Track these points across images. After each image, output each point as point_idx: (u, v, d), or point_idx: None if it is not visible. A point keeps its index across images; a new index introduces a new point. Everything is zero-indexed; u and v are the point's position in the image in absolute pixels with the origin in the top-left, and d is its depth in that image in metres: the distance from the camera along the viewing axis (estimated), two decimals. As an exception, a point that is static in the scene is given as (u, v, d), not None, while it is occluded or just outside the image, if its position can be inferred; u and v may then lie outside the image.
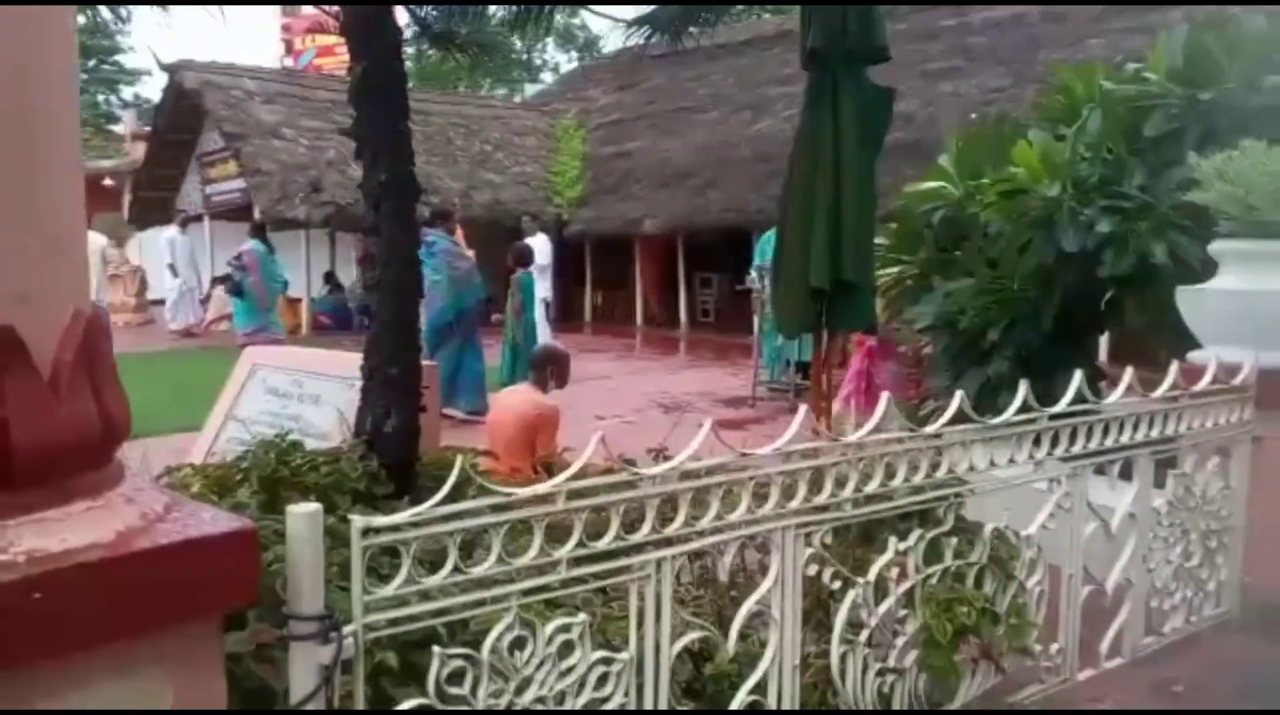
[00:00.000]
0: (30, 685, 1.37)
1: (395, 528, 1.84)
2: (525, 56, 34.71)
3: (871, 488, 2.56)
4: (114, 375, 1.60)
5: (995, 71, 14.62)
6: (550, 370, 5.18)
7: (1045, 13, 14.93)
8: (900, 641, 2.62)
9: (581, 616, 2.07)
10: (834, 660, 2.52)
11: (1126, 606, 3.28)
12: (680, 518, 2.21)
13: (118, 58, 34.68)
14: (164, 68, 16.56)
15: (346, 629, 1.79)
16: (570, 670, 2.06)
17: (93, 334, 1.53)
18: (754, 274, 10.79)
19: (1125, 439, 3.19)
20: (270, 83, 17.23)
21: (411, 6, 4.60)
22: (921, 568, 2.66)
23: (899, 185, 7.05)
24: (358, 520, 1.82)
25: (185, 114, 17.10)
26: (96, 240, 15.70)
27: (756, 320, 10.72)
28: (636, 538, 2.14)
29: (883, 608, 2.58)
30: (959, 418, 2.77)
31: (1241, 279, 3.85)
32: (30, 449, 1.39)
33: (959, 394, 2.76)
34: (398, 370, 3.28)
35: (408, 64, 3.89)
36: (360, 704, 1.84)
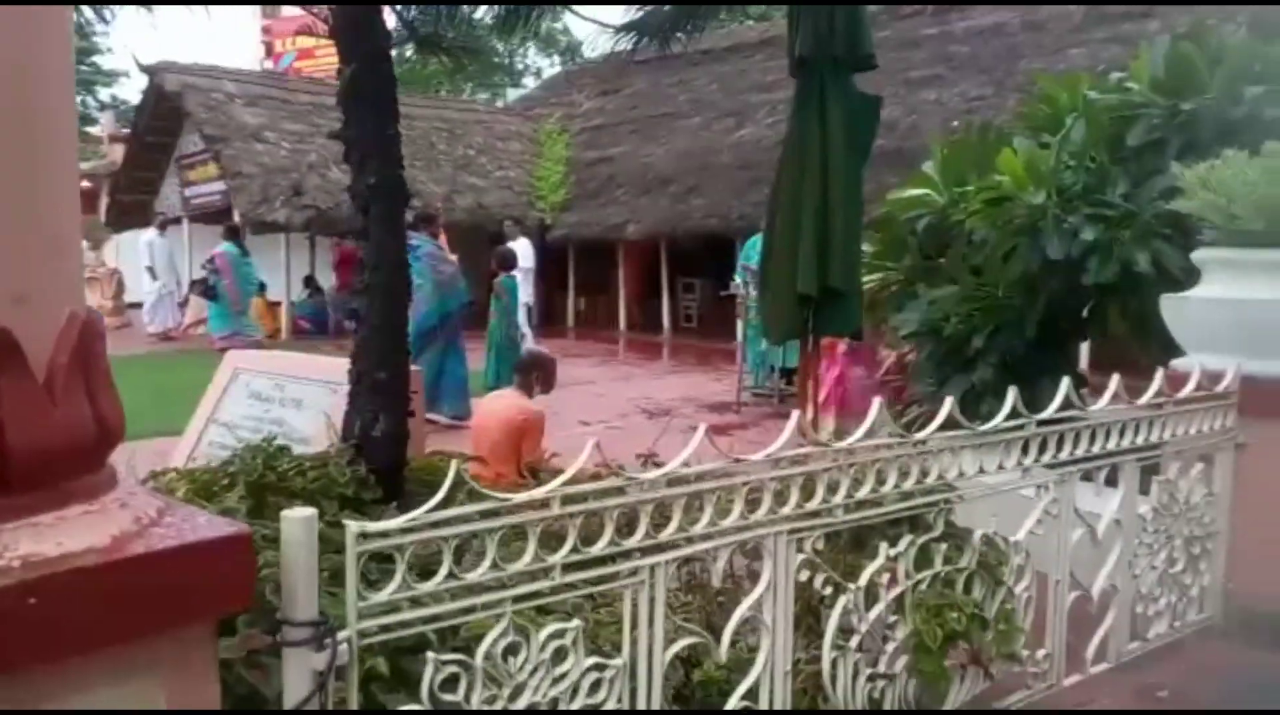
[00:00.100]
0: (24, 690, 1.35)
1: (391, 533, 1.82)
2: (507, 60, 34.69)
3: (863, 494, 2.57)
4: (108, 378, 1.59)
5: (977, 80, 14.74)
6: (536, 375, 5.17)
7: (1025, 22, 15.09)
8: (890, 647, 2.63)
9: (575, 622, 2.07)
10: (825, 665, 2.52)
11: (1112, 612, 3.30)
12: (674, 523, 2.21)
13: (95, 59, 34.36)
14: (144, 69, 16.44)
15: (340, 635, 1.77)
16: (564, 676, 2.05)
17: (88, 337, 1.52)
18: (738, 280, 10.82)
19: (1111, 446, 3.22)
20: (251, 85, 17.13)
21: (397, 9, 4.59)
22: (912, 573, 2.67)
23: (882, 192, 7.08)
24: (353, 525, 1.80)
25: (165, 116, 16.97)
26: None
27: (740, 326, 10.75)
28: (631, 543, 2.14)
29: (873, 613, 2.59)
30: (948, 424, 2.78)
31: (1224, 287, 3.89)
32: (25, 452, 1.38)
33: (949, 400, 2.77)
34: (386, 374, 3.27)
35: (389, 67, 3.88)
36: (353, 709, 1.82)
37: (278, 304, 16.36)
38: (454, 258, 9.34)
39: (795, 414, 2.44)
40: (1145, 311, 5.08)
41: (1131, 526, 3.33)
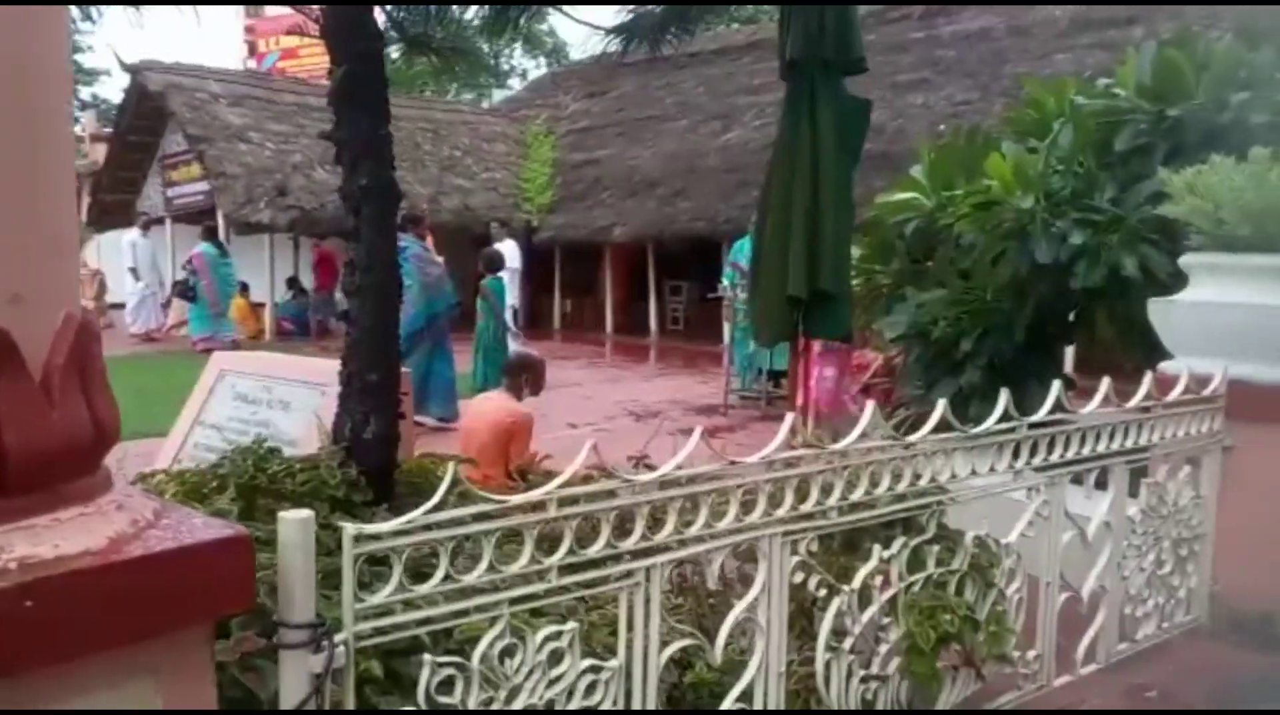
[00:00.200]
0: (20, 693, 1.34)
1: (388, 535, 1.81)
2: (493, 62, 34.62)
3: (856, 496, 2.58)
4: (104, 380, 1.57)
5: (963, 84, 14.84)
6: (525, 378, 5.15)
7: (1011, 27, 15.20)
8: (883, 648, 2.64)
9: (571, 624, 2.06)
10: (819, 667, 2.52)
11: (1102, 613, 3.32)
12: (670, 525, 2.21)
13: (76, 57, 34.09)
14: (126, 68, 16.33)
15: (337, 637, 1.76)
16: (560, 678, 2.04)
17: (84, 338, 1.51)
18: (725, 282, 10.83)
19: (1101, 448, 3.24)
20: (236, 85, 17.05)
21: (387, 9, 4.57)
22: (905, 575, 2.68)
23: (869, 196, 7.12)
24: (350, 527, 1.80)
25: (147, 115, 16.87)
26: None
27: (728, 328, 10.76)
28: (627, 545, 2.14)
29: (867, 615, 2.59)
30: (939, 426, 2.79)
31: (1211, 291, 3.92)
32: (22, 453, 1.37)
33: (942, 403, 2.78)
34: (377, 376, 3.25)
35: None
36: (349, 712, 1.81)
37: (261, 305, 16.29)
38: (440, 259, 9.32)
39: (789, 416, 2.45)
40: (1132, 315, 5.12)
41: (1121, 529, 3.35)
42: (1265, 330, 3.79)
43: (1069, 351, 6.98)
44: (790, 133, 4.74)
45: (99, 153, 19.22)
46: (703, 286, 16.28)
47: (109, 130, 18.66)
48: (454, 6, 4.66)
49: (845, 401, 8.39)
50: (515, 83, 33.07)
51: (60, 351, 1.46)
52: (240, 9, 25.66)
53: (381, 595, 1.82)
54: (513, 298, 12.04)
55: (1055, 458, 3.08)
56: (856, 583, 2.58)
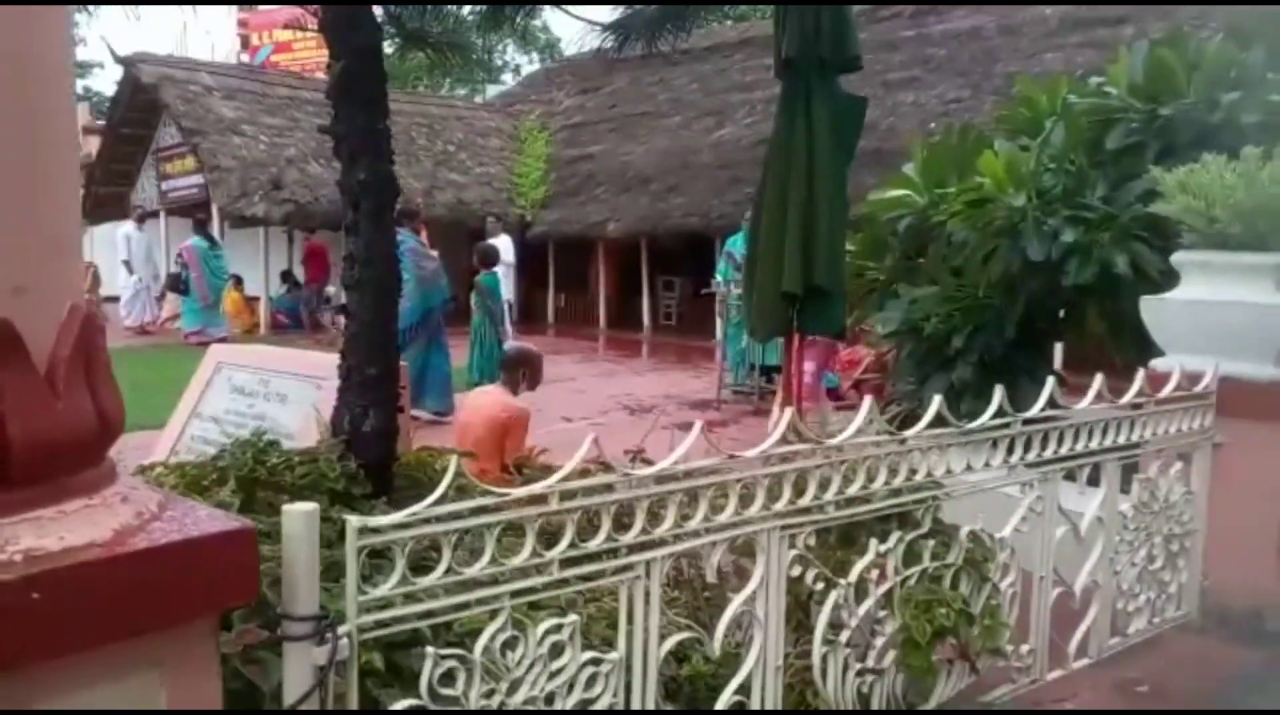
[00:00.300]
0: (24, 687, 1.34)
1: (393, 527, 1.82)
2: (487, 57, 34.54)
3: (853, 490, 2.60)
4: (108, 371, 1.58)
5: (954, 83, 14.88)
6: (523, 372, 5.13)
7: (1002, 26, 15.24)
8: (879, 642, 2.66)
9: (572, 617, 2.08)
10: (815, 660, 2.54)
11: (1094, 608, 3.35)
12: (670, 519, 2.22)
13: (68, 49, 33.79)
14: (120, 61, 16.25)
15: (340, 629, 1.77)
16: (560, 671, 2.06)
17: (89, 330, 1.51)
18: (719, 278, 10.86)
19: (1094, 444, 3.27)
20: (229, 78, 17.01)
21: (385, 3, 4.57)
22: (900, 569, 2.70)
23: (861, 193, 7.13)
24: (354, 520, 1.81)
25: (141, 108, 16.81)
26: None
27: (720, 323, 10.79)
28: (627, 539, 2.15)
29: (863, 608, 2.61)
30: (934, 422, 2.81)
31: (1203, 289, 3.95)
32: (27, 445, 1.37)
33: (938, 399, 2.81)
34: (376, 370, 3.26)
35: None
36: (353, 705, 1.83)
37: (256, 299, 16.26)
38: (435, 253, 9.32)
39: (789, 411, 2.47)
40: (1122, 312, 5.16)
41: (1113, 524, 3.38)
42: (1256, 328, 3.82)
43: (1057, 348, 7.02)
44: (786, 130, 4.75)
45: (92, 145, 19.13)
46: (696, 282, 16.31)
47: (102, 123, 18.57)
48: (450, 3, 4.66)
49: (822, 394, 8.44)
50: (509, 78, 33.01)
51: (65, 343, 1.46)
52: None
53: (385, 587, 1.83)
54: (508, 292, 12.05)
55: (1049, 453, 3.11)
56: (853, 576, 2.60)
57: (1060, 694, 3.20)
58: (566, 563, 2.08)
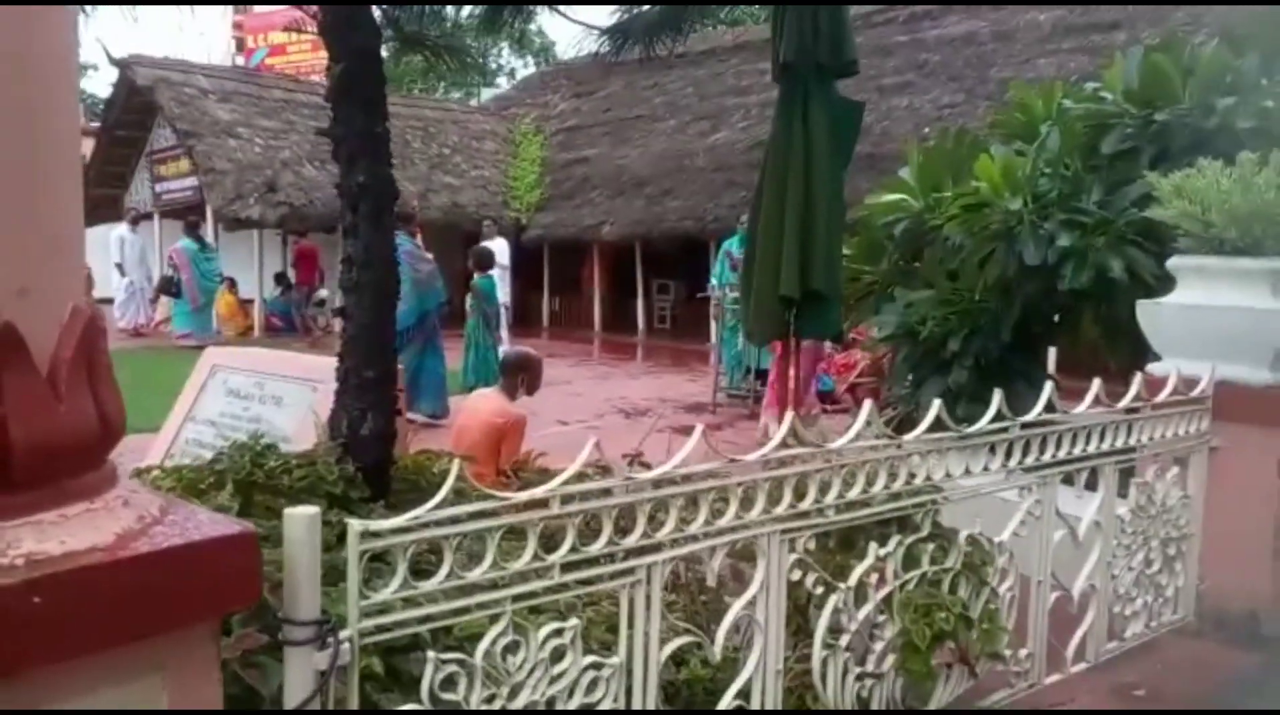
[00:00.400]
0: (25, 692, 1.33)
1: (394, 531, 1.82)
2: (482, 60, 34.53)
3: (853, 494, 2.59)
4: (110, 374, 1.57)
5: (948, 88, 14.92)
6: (522, 377, 5.07)
7: (995, 32, 15.30)
8: (878, 646, 2.66)
9: (574, 621, 2.07)
10: (815, 664, 2.54)
11: (1091, 612, 3.35)
12: (670, 523, 2.22)
13: (62, 51, 33.65)
14: (114, 62, 16.22)
15: (341, 634, 1.76)
16: (561, 675, 2.05)
17: (91, 331, 1.50)
18: (713, 283, 10.88)
19: (1092, 448, 3.27)
20: (224, 80, 16.98)
21: (383, 6, 4.57)
22: (900, 573, 2.70)
23: (855, 197, 7.15)
24: (355, 523, 1.80)
25: (136, 110, 16.78)
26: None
27: (716, 327, 10.79)
28: (628, 543, 2.15)
29: (863, 613, 2.61)
30: (933, 426, 2.82)
31: (1199, 294, 3.96)
32: (29, 448, 1.36)
33: (936, 403, 2.81)
34: (374, 373, 3.25)
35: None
36: (354, 710, 1.82)
37: (250, 301, 16.23)
38: (431, 256, 9.31)
39: (789, 415, 2.46)
40: (1117, 316, 5.18)
41: (1110, 528, 3.38)
42: (1252, 332, 3.83)
43: (1050, 352, 7.03)
44: (783, 134, 4.76)
45: (86, 147, 19.09)
46: (690, 285, 16.32)
47: (96, 125, 18.53)
48: (449, 6, 4.66)
49: (810, 399, 8.45)
50: (503, 81, 33.01)
51: (67, 345, 1.45)
52: (229, 5, 25.51)
53: (387, 592, 1.82)
54: (504, 295, 12.04)
55: (1047, 457, 3.11)
56: (853, 580, 2.60)
57: (1058, 698, 3.20)
58: (567, 567, 2.07)
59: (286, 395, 4.68)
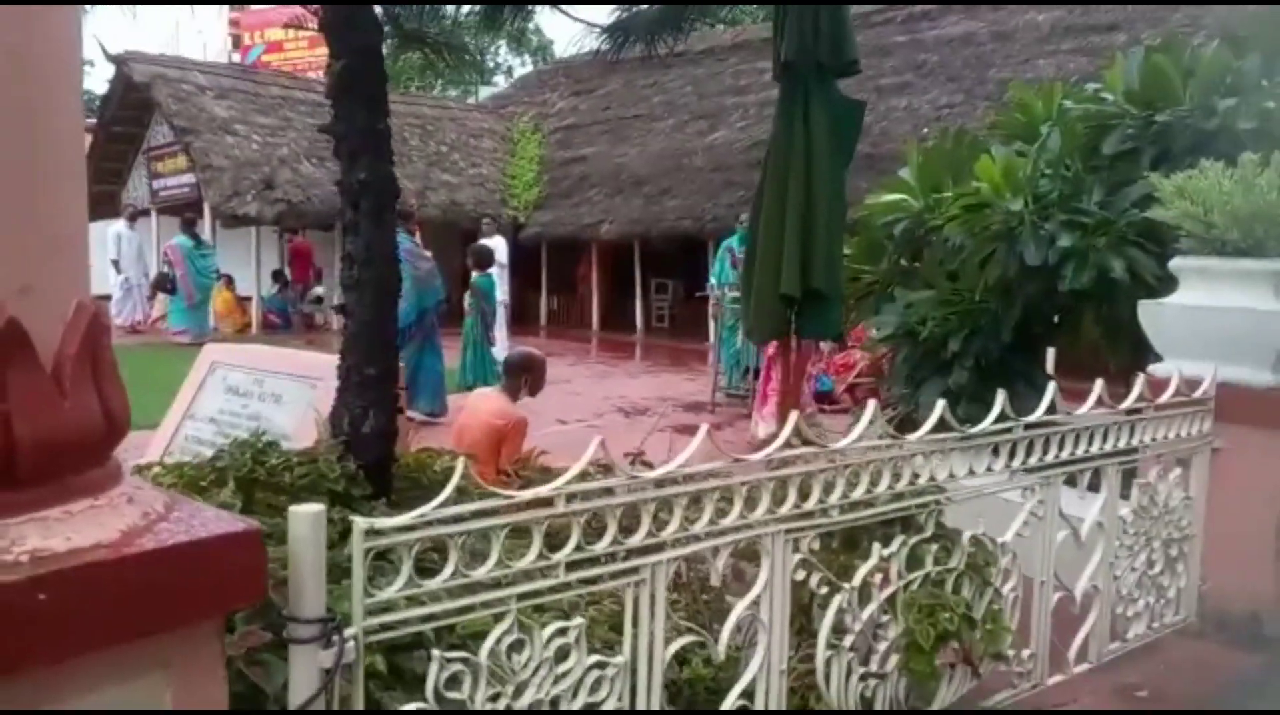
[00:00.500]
0: (28, 690, 1.32)
1: (399, 529, 1.81)
2: (479, 58, 34.49)
3: (857, 494, 2.59)
4: (115, 370, 1.56)
5: (946, 88, 14.93)
6: (525, 378, 4.99)
7: (994, 32, 15.30)
8: (882, 646, 2.65)
9: (578, 620, 2.07)
10: (819, 664, 2.54)
11: (1094, 613, 3.35)
12: (675, 522, 2.21)
13: (58, 47, 33.57)
14: (111, 59, 16.17)
15: (347, 632, 1.75)
16: (566, 674, 2.04)
17: (95, 328, 1.49)
18: (712, 282, 10.87)
19: (1094, 449, 3.27)
20: (222, 77, 16.94)
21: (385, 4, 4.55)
22: (904, 573, 2.70)
23: (854, 198, 7.14)
24: (360, 521, 1.79)
25: (133, 106, 16.74)
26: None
27: (714, 326, 10.79)
28: (633, 542, 2.14)
29: (866, 612, 2.61)
30: (936, 427, 2.81)
31: (1202, 295, 3.96)
32: (34, 444, 1.35)
33: (940, 403, 2.80)
34: (376, 370, 3.24)
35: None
36: (358, 708, 1.81)
37: (248, 299, 16.21)
38: (429, 254, 9.30)
39: (794, 414, 2.46)
40: (1118, 317, 5.18)
41: (1113, 529, 3.38)
42: (1254, 334, 3.83)
43: (1049, 353, 7.02)
44: (784, 133, 4.75)
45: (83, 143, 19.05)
46: (689, 284, 16.32)
47: (93, 121, 18.49)
48: (450, 5, 4.65)
49: (803, 400, 8.44)
50: (500, 80, 32.97)
51: (72, 341, 1.44)
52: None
53: (392, 590, 1.81)
54: (503, 293, 12.03)
55: (1050, 458, 3.11)
56: (857, 580, 2.59)
57: (1060, 699, 3.20)
58: (572, 566, 2.06)
59: (286, 392, 4.67)
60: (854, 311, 6.57)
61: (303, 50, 24.61)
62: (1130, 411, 3.43)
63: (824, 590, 2.55)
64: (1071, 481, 3.30)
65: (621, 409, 9.58)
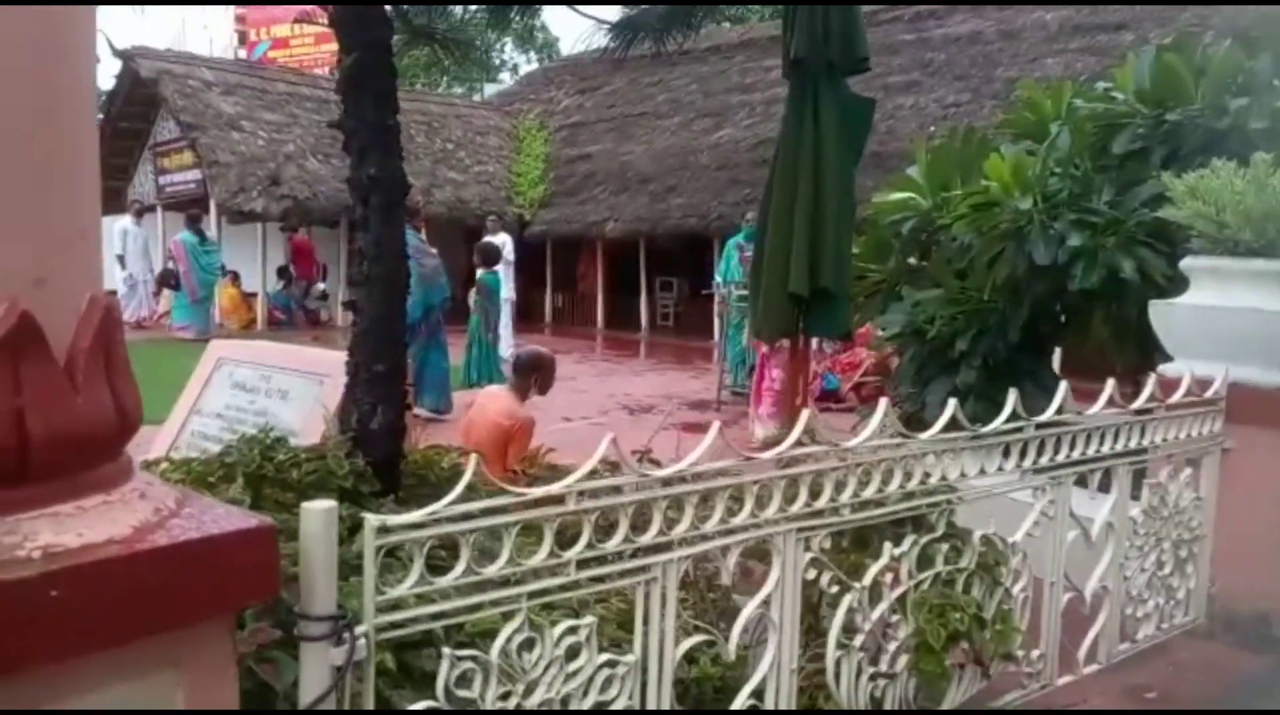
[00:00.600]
0: (36, 688, 1.31)
1: (409, 526, 1.80)
2: (486, 54, 34.44)
3: (868, 493, 2.58)
4: (127, 364, 1.55)
5: (953, 87, 14.90)
6: (534, 378, 4.94)
7: (1001, 31, 15.27)
8: (892, 646, 2.64)
9: (589, 619, 2.06)
10: (829, 664, 2.52)
11: (1104, 614, 3.34)
12: (686, 520, 2.20)
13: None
14: (118, 54, 16.18)
15: (358, 629, 1.74)
16: (577, 673, 2.03)
17: (108, 322, 1.49)
18: (718, 280, 10.86)
19: (1105, 449, 3.25)
20: (228, 73, 16.96)
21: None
22: (914, 573, 2.68)
23: (860, 196, 7.11)
24: (372, 518, 1.78)
25: (139, 102, 16.76)
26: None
27: (719, 324, 10.77)
28: (644, 540, 2.13)
29: (877, 612, 2.59)
30: (947, 426, 2.80)
31: (1213, 295, 3.94)
32: (46, 439, 1.34)
33: (952, 403, 2.79)
34: (385, 366, 3.23)
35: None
36: (369, 706, 1.80)
37: (254, 295, 16.22)
38: (434, 251, 9.29)
39: (805, 412, 2.44)
40: (1126, 317, 5.16)
41: (1123, 529, 3.36)
42: (1265, 334, 3.81)
43: (1055, 352, 7.01)
44: (794, 131, 4.74)
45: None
46: (694, 282, 16.30)
47: (99, 116, 18.50)
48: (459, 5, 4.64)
49: (793, 404, 8.43)
50: (505, 77, 32.94)
51: (85, 335, 1.43)
52: (231, -2, 25.47)
53: (403, 587, 1.80)
54: (509, 291, 12.02)
55: (1061, 458, 3.09)
56: (867, 580, 2.58)
57: (1070, 699, 3.18)
58: (583, 564, 2.05)
59: (292, 389, 4.66)
60: (860, 310, 6.55)
61: (308, 46, 24.61)
62: (1141, 412, 3.41)
63: (834, 589, 2.54)
64: (1082, 482, 3.29)
65: (626, 407, 9.57)
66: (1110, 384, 3.26)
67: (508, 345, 11.06)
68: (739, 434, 7.92)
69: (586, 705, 2.06)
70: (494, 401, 4.99)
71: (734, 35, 19.67)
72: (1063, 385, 3.10)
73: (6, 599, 1.22)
